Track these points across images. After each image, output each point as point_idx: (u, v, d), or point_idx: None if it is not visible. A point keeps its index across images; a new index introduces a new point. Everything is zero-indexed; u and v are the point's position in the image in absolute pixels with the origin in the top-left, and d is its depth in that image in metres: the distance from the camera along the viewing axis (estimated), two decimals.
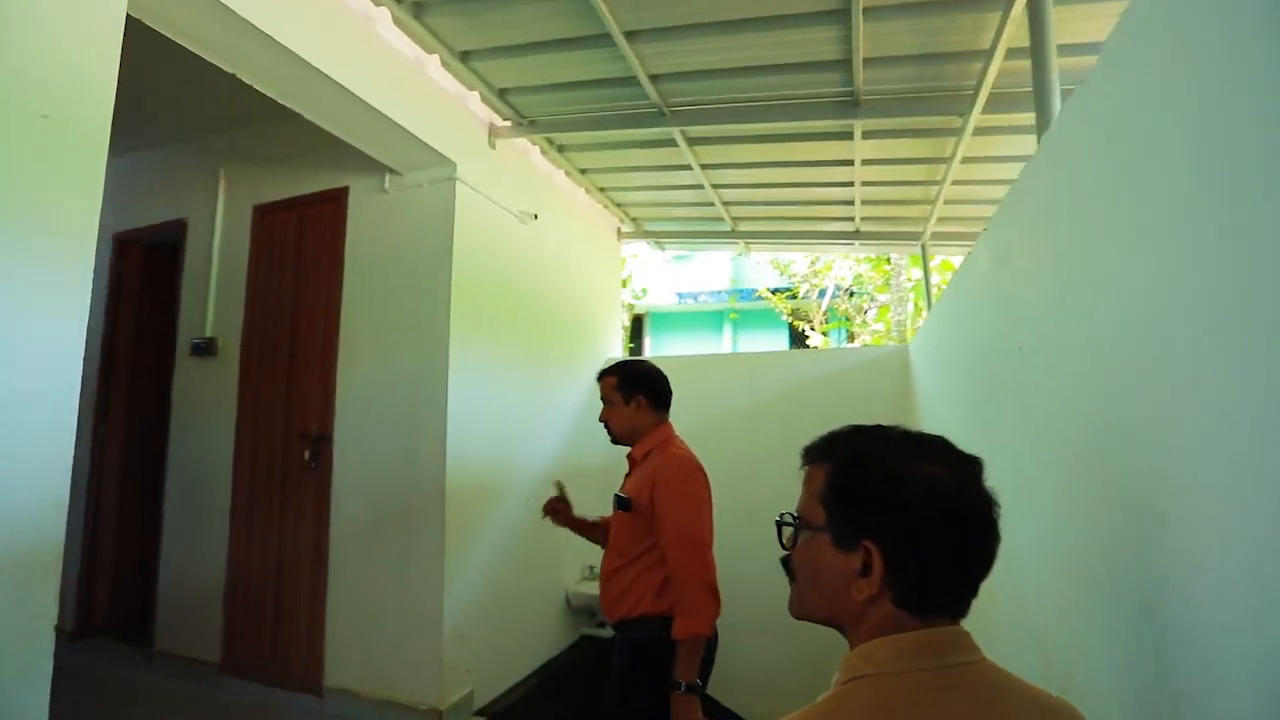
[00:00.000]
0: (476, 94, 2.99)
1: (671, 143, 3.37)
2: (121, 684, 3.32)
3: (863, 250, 5.04)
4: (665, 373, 2.14)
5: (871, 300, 9.84)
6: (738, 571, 3.90)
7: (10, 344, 1.43)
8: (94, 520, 3.79)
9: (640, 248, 9.69)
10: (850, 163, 3.44)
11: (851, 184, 3.73)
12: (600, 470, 3.87)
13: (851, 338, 10.03)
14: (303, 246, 3.29)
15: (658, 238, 5.12)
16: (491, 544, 3.12)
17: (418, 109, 2.71)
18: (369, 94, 2.45)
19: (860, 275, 9.43)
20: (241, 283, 3.43)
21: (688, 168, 3.66)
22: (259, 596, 3.14)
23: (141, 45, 2.34)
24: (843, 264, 9.44)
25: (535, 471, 3.51)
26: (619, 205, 4.52)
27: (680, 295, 13.67)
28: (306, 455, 3.08)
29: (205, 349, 3.45)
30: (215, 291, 3.52)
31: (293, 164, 3.38)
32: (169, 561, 3.46)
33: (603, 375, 2.13)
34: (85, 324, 1.55)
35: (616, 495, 2.06)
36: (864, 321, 9.83)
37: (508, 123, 3.23)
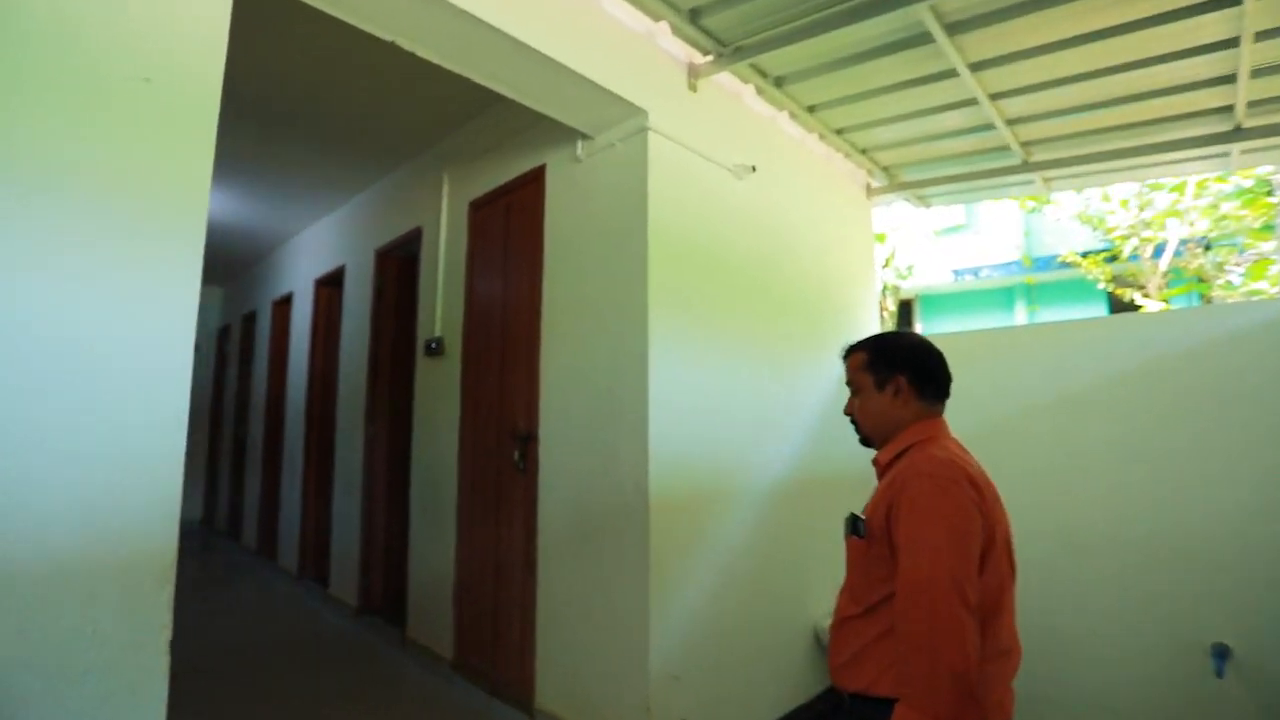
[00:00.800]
0: (665, 24, 2.50)
1: (924, 39, 2.50)
2: (379, 661, 3.51)
3: (1245, 161, 3.41)
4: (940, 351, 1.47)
5: (1240, 252, 7.21)
6: (1057, 627, 2.79)
7: (112, 337, 1.28)
8: (368, 512, 4.14)
9: (900, 210, 8.43)
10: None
11: (1235, 41, 2.42)
12: (858, 482, 3.10)
13: (1208, 303, 7.44)
14: (509, 235, 3.13)
15: (919, 189, 4.10)
16: (712, 565, 2.58)
17: (596, 51, 2.31)
18: (536, 38, 2.10)
19: (1224, 216, 6.92)
20: (461, 278, 3.42)
21: (951, 74, 2.72)
22: (480, 601, 3.04)
23: (368, 78, 2.28)
24: (1191, 205, 7.03)
25: (768, 479, 2.89)
26: (863, 152, 3.68)
27: (957, 273, 11.73)
28: (516, 455, 2.88)
29: (435, 349, 3.51)
30: (442, 290, 3.57)
31: (499, 152, 3.26)
32: (416, 555, 3.58)
33: (849, 352, 1.54)
34: (195, 313, 1.37)
35: (850, 515, 1.39)
36: (1228, 283, 7.24)
37: (708, 57, 2.68)
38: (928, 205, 4.41)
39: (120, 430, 1.25)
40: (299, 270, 5.66)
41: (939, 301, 12.44)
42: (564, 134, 2.79)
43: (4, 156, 1.16)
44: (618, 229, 2.56)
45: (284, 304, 5.98)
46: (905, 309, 12.11)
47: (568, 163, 2.83)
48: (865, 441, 1.51)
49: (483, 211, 3.33)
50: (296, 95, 3.33)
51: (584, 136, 2.73)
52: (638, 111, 2.49)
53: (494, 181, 3.25)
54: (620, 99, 2.41)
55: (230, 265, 6.90)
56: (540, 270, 2.90)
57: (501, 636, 2.89)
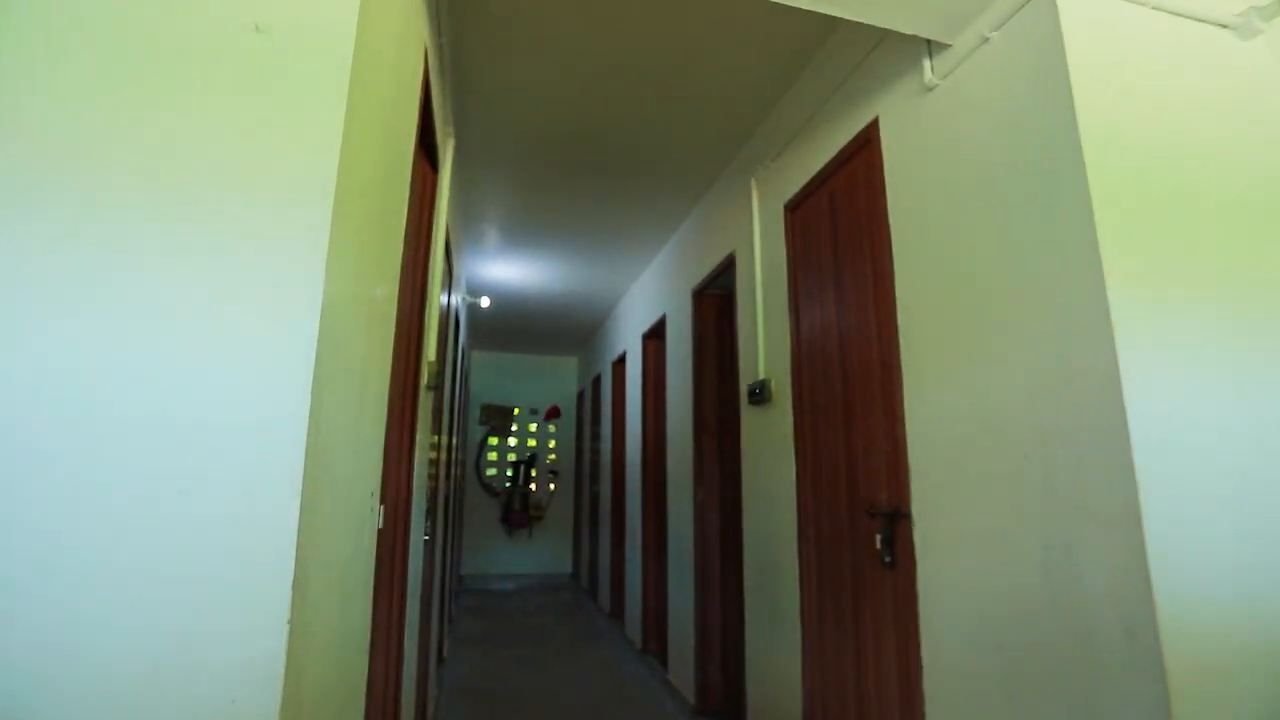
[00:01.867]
0: None
1: None
2: None
3: None
4: None
5: None
6: None
7: (217, 351, 0.83)
8: (701, 590, 3.58)
9: None
10: None
11: None
12: None
13: None
14: (837, 231, 2.30)
15: None
16: None
17: None
18: None
19: None
20: (783, 303, 2.68)
21: None
22: None
23: (660, 102, 1.87)
24: None
25: None
26: None
27: None
28: (878, 541, 1.96)
29: (759, 395, 2.81)
30: (762, 321, 2.88)
31: (809, 133, 2.49)
32: (754, 656, 2.83)
33: None
34: (317, 326, 0.87)
35: None
36: None
37: None
38: None
39: (209, 486, 0.78)
40: (629, 327, 5.65)
41: None
42: (899, 61, 1.90)
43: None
44: (1019, 173, 1.53)
45: (620, 364, 6.05)
46: None
47: (911, 101, 1.91)
48: None
49: (800, 211, 2.58)
50: (601, 143, 3.12)
51: (934, 52, 1.79)
52: None
53: (809, 169, 2.48)
54: None
55: (581, 333, 7.41)
56: (888, 268, 1.99)
57: None
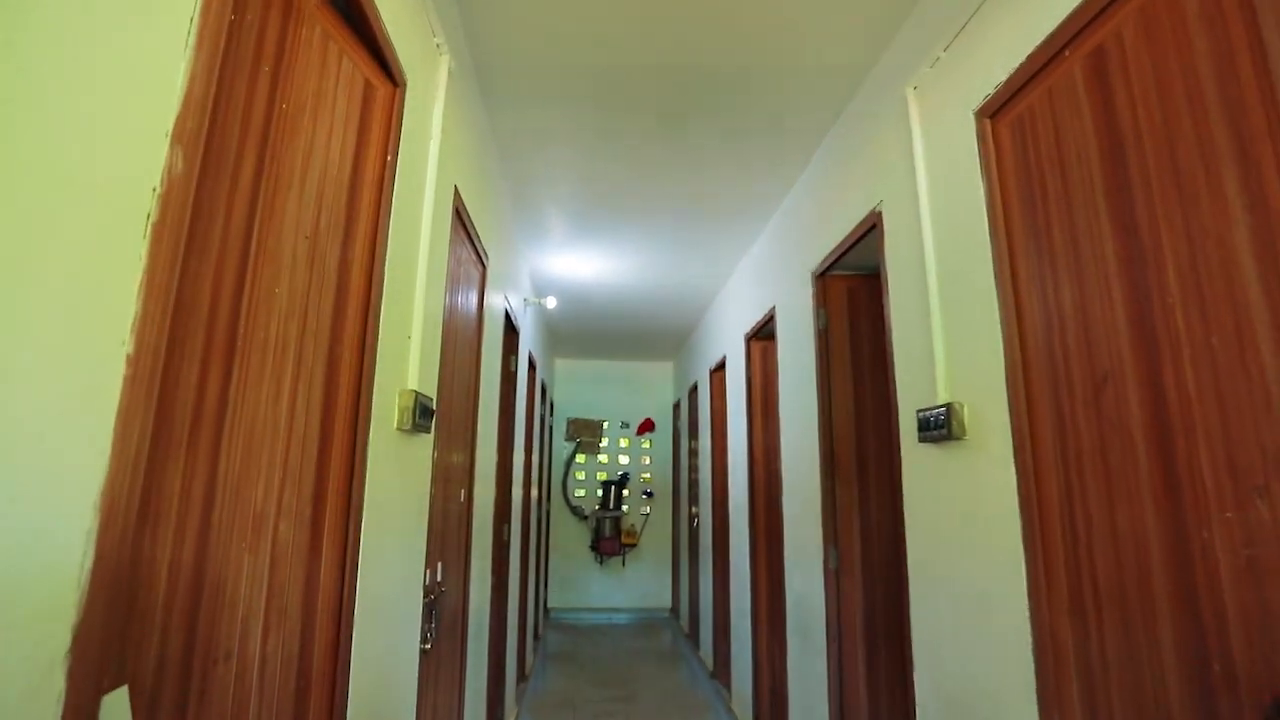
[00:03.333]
0: None
1: None
2: None
3: None
4: None
5: None
6: None
7: None
8: (841, 683, 2.51)
9: None
10: None
11: None
12: None
13: None
14: (1120, 126, 1.19)
15: None
16: None
17: None
18: None
19: None
20: (986, 280, 1.59)
21: None
22: None
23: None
24: None
25: None
26: None
27: None
28: None
29: (938, 427, 1.73)
30: (940, 315, 1.80)
31: None
32: None
33: None
34: None
35: None
36: None
37: None
38: None
39: None
40: (728, 328, 4.64)
41: None
42: None
43: None
44: None
45: (719, 370, 5.06)
46: None
47: None
48: None
49: (1016, 114, 1.47)
50: (673, 77, 2.15)
51: None
52: None
53: (1033, 32, 1.37)
54: None
55: (674, 334, 6.46)
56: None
57: None
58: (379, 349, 1.32)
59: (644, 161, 2.93)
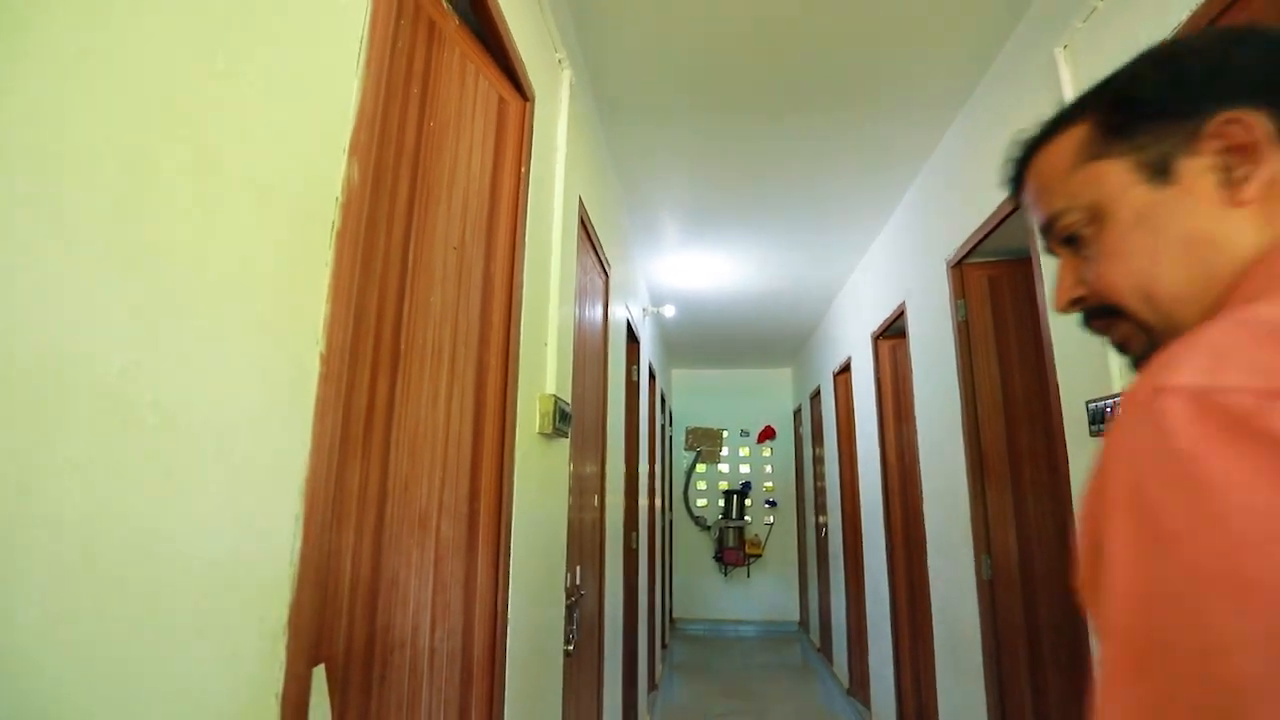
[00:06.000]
0: None
1: None
2: None
3: None
4: None
5: None
6: None
7: None
8: (1000, 706, 2.30)
9: None
10: None
11: None
12: None
13: None
14: None
15: None
16: None
17: None
18: None
19: None
20: None
21: None
22: None
23: None
24: None
25: None
26: None
27: None
28: None
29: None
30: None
31: None
32: None
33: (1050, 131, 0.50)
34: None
35: None
36: None
37: None
38: None
39: None
40: (852, 326, 4.44)
41: None
42: None
43: None
44: None
45: (844, 373, 4.85)
46: None
47: None
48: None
49: None
50: (788, 57, 2.09)
51: None
52: None
53: None
54: None
55: (793, 338, 6.30)
56: None
57: None
58: (520, 356, 1.37)
59: (756, 161, 2.88)
